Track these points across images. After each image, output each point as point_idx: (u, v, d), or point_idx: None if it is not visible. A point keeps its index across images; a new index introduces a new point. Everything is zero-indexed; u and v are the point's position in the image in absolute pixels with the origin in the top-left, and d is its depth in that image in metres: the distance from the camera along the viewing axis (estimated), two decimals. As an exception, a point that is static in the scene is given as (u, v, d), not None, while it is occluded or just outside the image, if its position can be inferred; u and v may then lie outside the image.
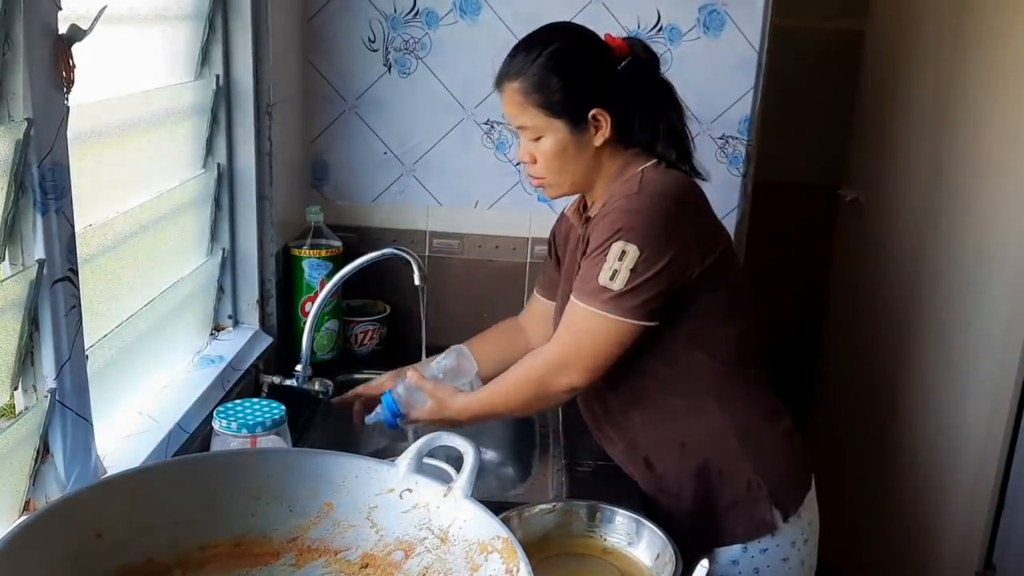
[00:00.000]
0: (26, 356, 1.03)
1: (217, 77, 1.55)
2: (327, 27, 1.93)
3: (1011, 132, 1.98)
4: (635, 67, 1.40)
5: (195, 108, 1.50)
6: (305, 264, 1.82)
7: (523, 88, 1.36)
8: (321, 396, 1.69)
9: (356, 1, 1.91)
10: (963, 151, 2.19)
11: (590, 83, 1.37)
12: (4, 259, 0.99)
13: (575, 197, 1.52)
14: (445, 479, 1.16)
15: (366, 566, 0.92)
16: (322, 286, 1.74)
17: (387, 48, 1.94)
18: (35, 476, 1.06)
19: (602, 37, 1.43)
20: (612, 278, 1.28)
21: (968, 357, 2.10)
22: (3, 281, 0.97)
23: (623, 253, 1.27)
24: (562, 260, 1.56)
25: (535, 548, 1.19)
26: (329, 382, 1.69)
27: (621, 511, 1.23)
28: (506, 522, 1.18)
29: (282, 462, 0.97)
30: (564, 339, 1.34)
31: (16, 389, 1.03)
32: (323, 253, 1.83)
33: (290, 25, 1.82)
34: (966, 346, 2.11)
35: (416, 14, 1.92)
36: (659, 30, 1.90)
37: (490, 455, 1.87)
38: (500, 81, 1.40)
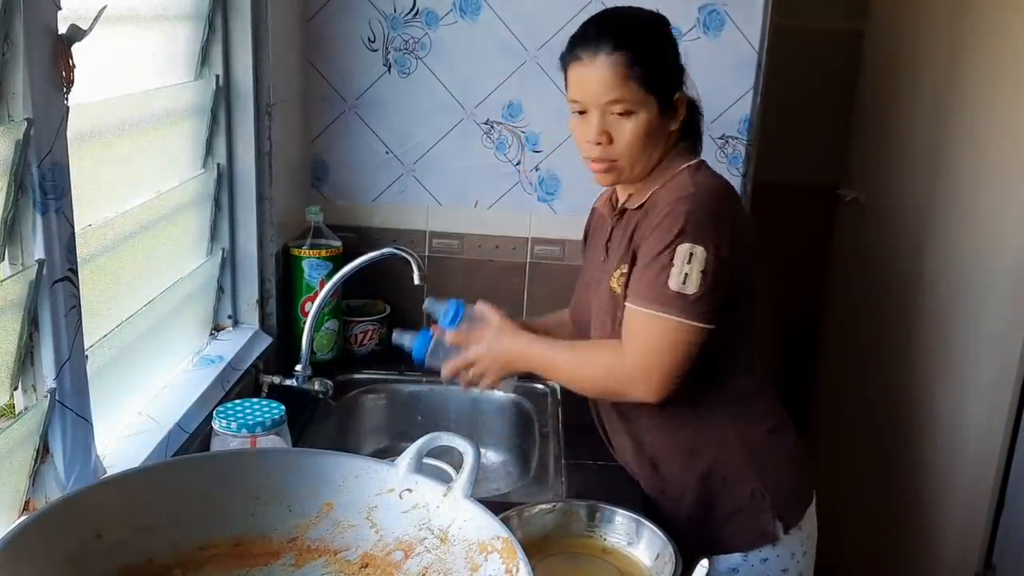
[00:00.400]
0: (26, 356, 1.03)
1: (217, 77, 1.55)
2: (327, 27, 1.93)
3: (1011, 132, 1.98)
4: None
5: (195, 108, 1.50)
6: (305, 264, 1.82)
7: (630, 59, 1.29)
8: (321, 396, 1.69)
9: (356, 1, 1.91)
10: (963, 151, 2.19)
11: (679, 66, 1.37)
12: (4, 259, 0.99)
13: (602, 192, 1.52)
14: (445, 479, 1.16)
15: (366, 566, 0.92)
16: (322, 286, 1.74)
17: (387, 48, 1.94)
18: (35, 476, 1.06)
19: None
20: (685, 283, 1.24)
21: (968, 357, 2.10)
22: (3, 281, 0.97)
23: (691, 255, 1.25)
24: (586, 251, 1.55)
25: (535, 548, 1.19)
26: (329, 382, 1.69)
27: (621, 511, 1.23)
28: (506, 522, 1.18)
29: (282, 462, 0.97)
30: (642, 351, 1.28)
31: (16, 389, 1.03)
32: (323, 253, 1.83)
33: (290, 25, 1.82)
34: (966, 346, 2.11)
35: (416, 14, 1.92)
36: (659, 30, 1.90)
37: (490, 455, 1.87)
38: (599, 48, 1.30)
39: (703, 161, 1.38)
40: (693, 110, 1.41)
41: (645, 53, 1.31)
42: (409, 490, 0.94)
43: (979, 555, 2.06)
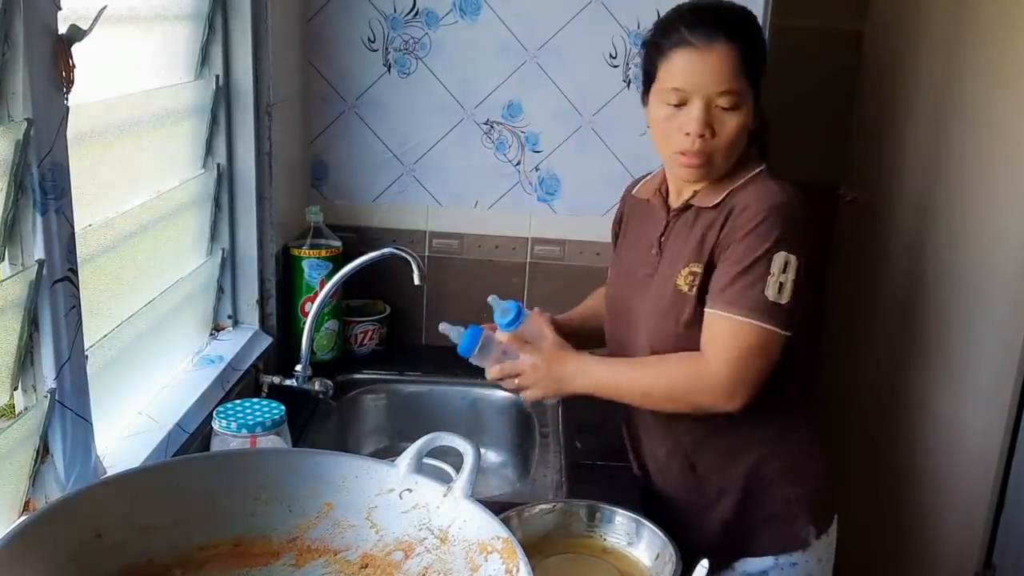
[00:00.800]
0: (26, 356, 1.03)
1: (217, 77, 1.55)
2: (327, 27, 1.93)
3: (1011, 132, 1.98)
4: None
5: (195, 108, 1.50)
6: (305, 264, 1.82)
7: (744, 52, 1.26)
8: (321, 396, 1.69)
9: (356, 1, 1.91)
10: (963, 151, 2.19)
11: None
12: (4, 259, 0.99)
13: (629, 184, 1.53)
14: (445, 479, 1.17)
15: (366, 566, 0.92)
16: (322, 286, 1.74)
17: (387, 48, 1.94)
18: (35, 476, 1.06)
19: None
20: (780, 292, 1.24)
21: (968, 357, 2.10)
22: (3, 281, 0.97)
23: (786, 264, 1.24)
24: (619, 238, 1.53)
25: (535, 548, 1.19)
26: (329, 382, 1.69)
27: (621, 511, 1.23)
28: (506, 522, 1.18)
29: (282, 462, 0.97)
30: (730, 359, 1.26)
31: (16, 389, 1.03)
32: (323, 253, 1.83)
33: (290, 25, 1.82)
34: (966, 346, 2.11)
35: (416, 14, 1.92)
36: (659, 30, 1.90)
37: (490, 455, 1.87)
38: (715, 36, 1.25)
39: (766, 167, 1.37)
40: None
41: (754, 47, 1.28)
42: (409, 490, 0.94)
43: (979, 555, 2.06)
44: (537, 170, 1.99)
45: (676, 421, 1.40)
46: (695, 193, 1.37)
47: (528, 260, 2.03)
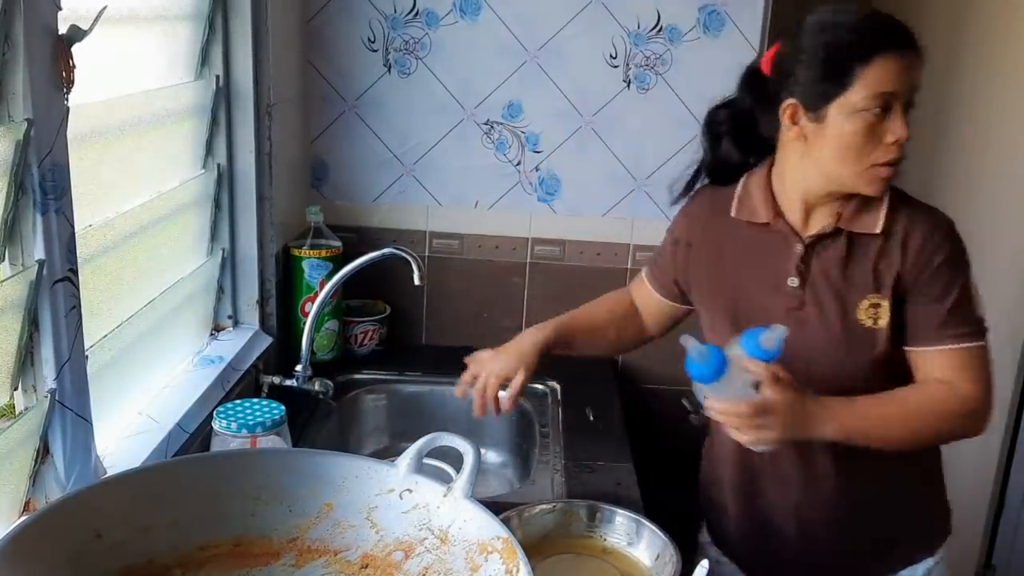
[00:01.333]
0: (26, 356, 1.03)
1: (217, 77, 1.55)
2: (327, 27, 1.93)
3: (1011, 132, 1.98)
4: None
5: (195, 108, 1.50)
6: (305, 264, 1.82)
7: (920, 55, 1.22)
8: (321, 396, 1.69)
9: (356, 1, 1.91)
10: (962, 151, 2.19)
11: None
12: (4, 259, 0.99)
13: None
14: (445, 479, 1.16)
15: (366, 566, 0.92)
16: (322, 286, 1.74)
17: (387, 48, 1.94)
18: (35, 476, 1.06)
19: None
20: (981, 305, 1.28)
21: (968, 357, 2.09)
22: (3, 281, 0.97)
23: (975, 285, 1.28)
24: (714, 267, 1.37)
25: (535, 548, 1.19)
26: (329, 382, 1.69)
27: (621, 511, 1.23)
28: (506, 522, 1.18)
29: (282, 462, 0.97)
30: (988, 385, 1.30)
31: (16, 389, 1.03)
32: (323, 253, 1.83)
33: (290, 25, 1.82)
34: (966, 346, 2.11)
35: (416, 14, 1.92)
36: (659, 30, 1.90)
37: (490, 455, 1.87)
38: (908, 38, 1.21)
39: None
40: None
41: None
42: (409, 490, 0.94)
43: (979, 555, 2.06)
44: (537, 170, 1.99)
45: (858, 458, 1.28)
46: (839, 216, 1.27)
47: (528, 260, 2.03)
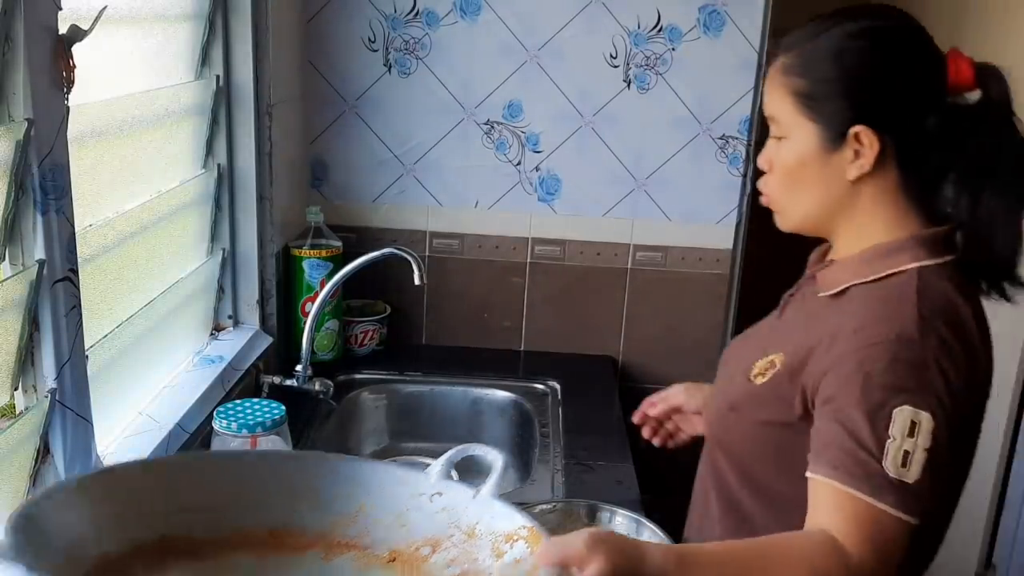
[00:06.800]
0: (26, 356, 1.03)
1: (217, 77, 1.55)
2: (327, 27, 1.93)
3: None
4: (978, 110, 1.00)
5: (195, 108, 1.50)
6: (305, 264, 1.82)
7: (786, 67, 1.02)
8: (321, 396, 1.69)
9: (356, 1, 1.91)
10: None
11: (877, 90, 0.98)
12: (4, 259, 0.99)
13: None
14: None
15: (393, 560, 0.95)
16: (322, 286, 1.74)
17: (387, 48, 1.94)
18: (35, 476, 1.06)
19: (945, 50, 1.01)
20: (905, 465, 0.88)
21: (968, 357, 2.09)
22: (3, 281, 0.97)
23: (913, 427, 0.88)
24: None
25: (535, 548, 1.19)
26: (329, 382, 1.69)
27: (621, 511, 1.23)
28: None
29: (321, 465, 1.01)
30: (859, 543, 0.87)
31: (16, 389, 1.03)
32: (323, 253, 1.83)
33: (290, 25, 1.82)
34: (966, 346, 2.10)
35: (416, 14, 1.92)
36: (659, 30, 1.90)
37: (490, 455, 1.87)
38: (772, 54, 1.06)
39: (948, 257, 0.99)
40: (963, 181, 1.00)
41: (809, 62, 1.03)
42: (439, 494, 0.98)
43: (979, 555, 2.06)
44: (537, 170, 1.99)
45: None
46: (831, 263, 1.08)
47: (528, 260, 2.03)
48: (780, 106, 1.02)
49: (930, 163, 1.00)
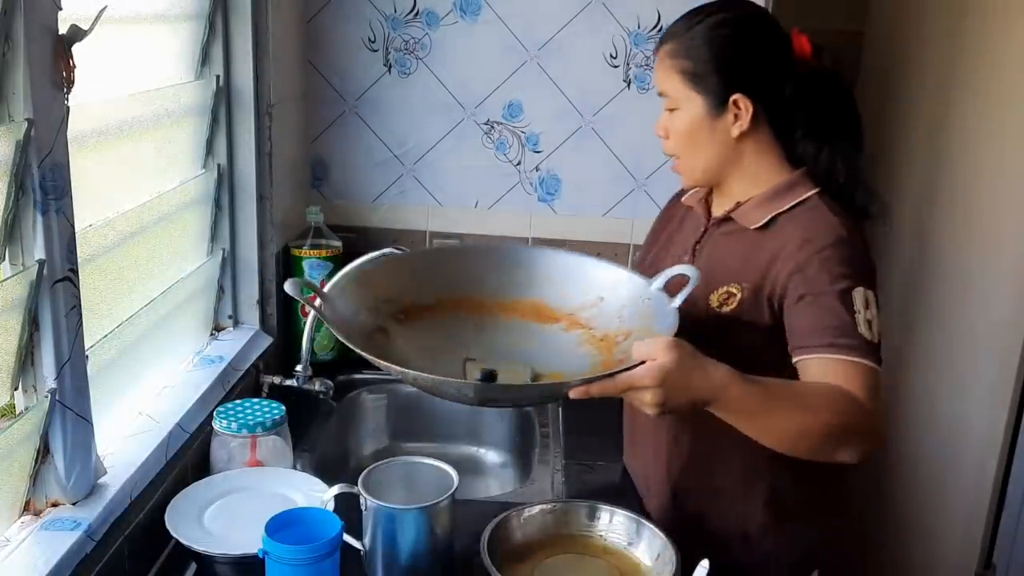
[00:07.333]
0: (26, 356, 1.03)
1: (217, 77, 1.55)
2: (327, 27, 1.93)
3: (1011, 133, 1.99)
4: (820, 77, 1.30)
5: (195, 108, 1.50)
6: (305, 264, 1.82)
7: (672, 51, 1.26)
8: (321, 396, 1.69)
9: (356, 1, 1.91)
10: (963, 152, 2.19)
11: (744, 66, 1.25)
12: (4, 259, 1.00)
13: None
14: (444, 479, 1.17)
15: (603, 339, 1.24)
16: (323, 286, 1.74)
17: (387, 48, 1.94)
18: (35, 476, 1.06)
19: (790, 31, 1.32)
20: (870, 330, 1.15)
21: (968, 357, 2.10)
22: (3, 281, 0.97)
23: (867, 301, 1.16)
24: (658, 236, 1.46)
25: (535, 548, 1.19)
26: (329, 382, 1.69)
27: (621, 511, 1.23)
28: (506, 522, 1.19)
29: (565, 261, 1.33)
30: (880, 413, 1.13)
31: (16, 389, 1.04)
32: (323, 253, 1.83)
33: (290, 25, 1.82)
34: (966, 346, 2.11)
35: (416, 14, 1.92)
36: (659, 30, 1.90)
37: (490, 455, 1.87)
38: (660, 42, 1.30)
39: (823, 190, 1.26)
40: (812, 132, 1.30)
41: (690, 48, 1.27)
42: (648, 299, 1.22)
43: (979, 555, 2.06)
44: (537, 170, 1.99)
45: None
46: (738, 205, 1.30)
47: (528, 260, 2.03)
48: (670, 83, 1.27)
49: (793, 120, 1.29)
